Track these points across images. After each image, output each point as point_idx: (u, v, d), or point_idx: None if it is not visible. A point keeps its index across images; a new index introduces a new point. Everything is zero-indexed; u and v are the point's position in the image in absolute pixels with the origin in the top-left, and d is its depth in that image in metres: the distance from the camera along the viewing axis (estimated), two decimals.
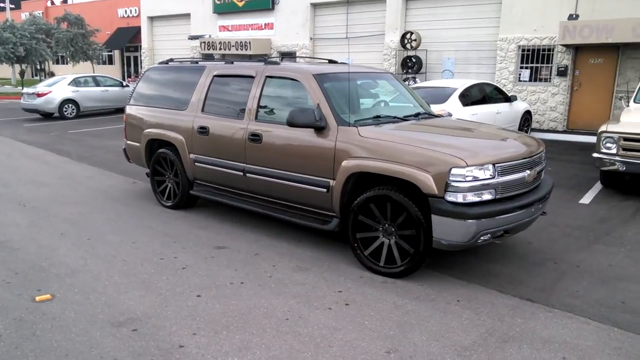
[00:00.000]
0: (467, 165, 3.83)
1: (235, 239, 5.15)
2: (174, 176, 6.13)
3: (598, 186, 7.45)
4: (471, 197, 3.86)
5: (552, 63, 13.13)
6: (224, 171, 5.40)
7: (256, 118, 5.11)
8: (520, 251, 4.88)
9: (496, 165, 3.96)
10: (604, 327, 3.47)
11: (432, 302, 3.82)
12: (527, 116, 11.61)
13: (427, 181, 3.90)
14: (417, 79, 14.71)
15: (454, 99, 9.31)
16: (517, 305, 3.79)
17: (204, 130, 5.56)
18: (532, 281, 4.21)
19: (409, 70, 15.28)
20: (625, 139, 6.67)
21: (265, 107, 5.12)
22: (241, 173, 5.22)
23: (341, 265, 4.49)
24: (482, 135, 4.63)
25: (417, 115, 5.14)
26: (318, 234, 5.24)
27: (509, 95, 11.06)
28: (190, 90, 5.87)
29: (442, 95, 9.40)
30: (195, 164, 5.73)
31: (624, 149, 6.70)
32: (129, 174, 8.15)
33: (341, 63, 5.93)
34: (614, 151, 6.77)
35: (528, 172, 4.25)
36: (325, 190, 4.53)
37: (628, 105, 7.89)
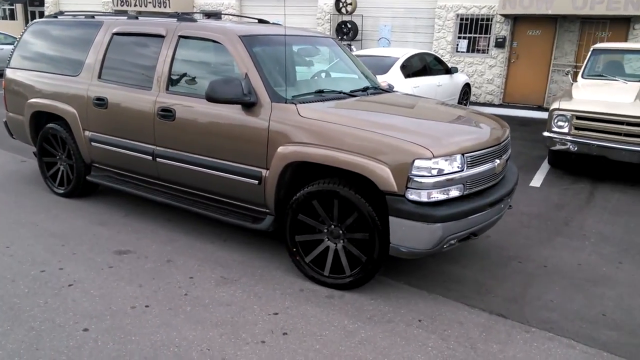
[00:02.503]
0: (434, 156, 3.08)
1: (143, 238, 4.16)
2: (66, 158, 4.96)
3: (545, 166, 7.07)
4: (436, 195, 3.14)
5: (490, 34, 12.77)
6: (128, 154, 4.34)
7: (167, 89, 4.07)
8: (480, 248, 4.28)
9: (465, 155, 3.25)
10: (592, 351, 2.91)
11: (389, 324, 3.10)
12: (466, 89, 11.17)
13: (384, 175, 3.11)
14: (352, 47, 13.88)
15: (396, 70, 8.60)
16: (488, 323, 3.16)
17: (101, 101, 4.43)
18: (499, 288, 3.61)
19: (344, 37, 14.42)
20: (578, 118, 6.25)
21: (178, 75, 4.09)
22: (150, 157, 4.19)
23: (277, 274, 3.66)
24: (443, 116, 3.90)
25: (365, 89, 4.31)
26: (248, 231, 4.36)
27: (449, 66, 10.52)
28: (84, 51, 4.68)
29: (382, 66, 8.65)
30: (92, 143, 4.60)
31: (576, 128, 6.29)
32: (18, 150, 6.79)
33: (273, 24, 4.96)
34: (565, 130, 6.35)
35: (497, 161, 3.59)
36: (256, 182, 3.64)
37: (576, 81, 7.53)
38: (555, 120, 6.41)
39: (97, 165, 4.77)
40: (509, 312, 3.29)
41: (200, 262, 3.78)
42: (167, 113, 4.00)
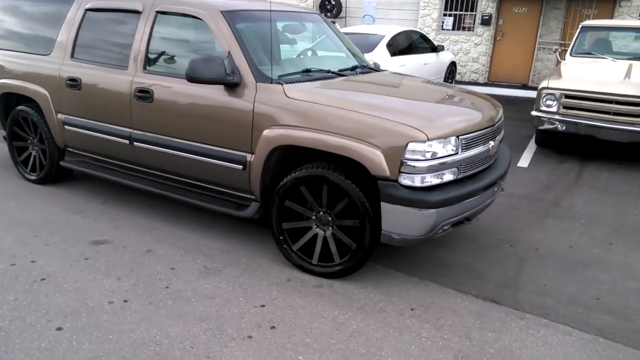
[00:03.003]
0: (428, 139, 2.94)
1: (121, 227, 3.96)
2: (38, 142, 4.70)
3: (532, 146, 7.00)
4: (430, 179, 3.00)
5: (476, 11, 12.57)
6: (104, 138, 4.11)
7: (145, 68, 3.84)
8: (469, 231, 4.18)
9: (460, 137, 3.11)
10: (588, 337, 2.84)
11: (381, 313, 2.98)
12: (452, 68, 11.03)
13: (376, 159, 2.96)
14: (337, 24, 13.57)
15: (382, 48, 8.39)
16: (482, 310, 3.06)
17: (74, 82, 4.18)
18: (491, 273, 3.52)
19: (328, 14, 14.10)
20: (567, 96, 6.16)
21: (156, 53, 3.85)
22: (127, 141, 3.97)
23: (263, 262, 3.51)
24: (436, 96, 3.74)
25: (354, 68, 4.13)
26: (233, 217, 4.19)
27: (435, 44, 10.33)
28: (55, 28, 4.39)
29: (367, 44, 8.44)
30: (65, 127, 4.35)
31: (565, 107, 6.21)
32: None
33: None
34: (554, 109, 6.26)
35: (492, 143, 3.47)
36: (240, 167, 3.46)
37: (564, 59, 7.42)
38: (544, 99, 6.31)
39: (71, 150, 4.52)
40: (503, 298, 3.21)
41: (182, 252, 3.61)
42: (144, 94, 3.78)
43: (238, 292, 3.12)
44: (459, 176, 3.15)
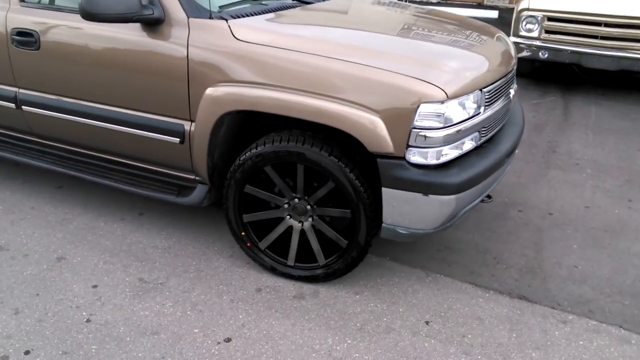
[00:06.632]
0: (448, 97, 2.07)
1: (20, 222, 2.92)
2: None
3: None
4: (448, 152, 2.17)
5: None
6: None
7: (23, 0, 2.66)
8: None
9: (484, 90, 2.27)
10: None
11: (388, 334, 2.23)
12: None
13: (374, 129, 2.07)
14: None
15: None
16: (512, 315, 2.39)
17: None
18: (507, 254, 2.84)
19: None
20: (550, 19, 5.39)
21: None
22: (13, 105, 2.85)
23: (220, 264, 2.64)
24: (438, 30, 2.80)
25: None
26: None
27: None
28: None
29: None
30: None
31: (547, 32, 5.45)
32: None
33: None
34: (535, 34, 5.49)
35: (512, 92, 2.66)
36: (177, 140, 2.47)
37: None
38: (524, 23, 5.51)
39: None
40: (532, 292, 2.54)
41: (107, 256, 2.66)
42: (26, 38, 2.62)
43: (191, 319, 2.26)
44: (479, 142, 2.34)
